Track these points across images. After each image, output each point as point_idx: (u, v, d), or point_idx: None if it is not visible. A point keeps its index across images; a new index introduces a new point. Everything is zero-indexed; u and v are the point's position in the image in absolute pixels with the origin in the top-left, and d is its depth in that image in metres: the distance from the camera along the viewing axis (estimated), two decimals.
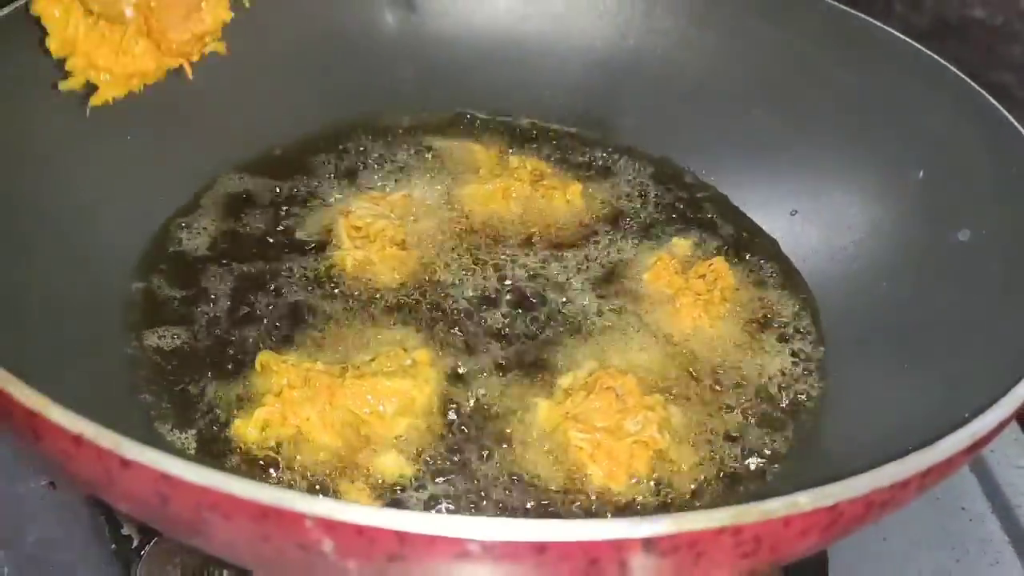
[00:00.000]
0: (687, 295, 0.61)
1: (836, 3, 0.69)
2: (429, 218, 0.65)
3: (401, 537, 0.30)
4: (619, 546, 0.31)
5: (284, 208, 0.66)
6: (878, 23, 0.68)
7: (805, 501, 0.32)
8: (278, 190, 0.67)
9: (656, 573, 0.33)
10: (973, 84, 0.61)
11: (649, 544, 0.31)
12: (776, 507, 0.32)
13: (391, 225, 0.63)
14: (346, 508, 0.30)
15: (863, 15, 0.69)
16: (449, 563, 0.31)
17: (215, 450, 0.50)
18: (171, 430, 0.51)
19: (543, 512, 0.49)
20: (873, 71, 0.67)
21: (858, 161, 0.65)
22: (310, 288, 0.60)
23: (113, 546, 0.54)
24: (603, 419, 0.53)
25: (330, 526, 0.30)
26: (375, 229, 0.62)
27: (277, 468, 0.49)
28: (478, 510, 0.49)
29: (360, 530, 0.30)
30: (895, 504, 0.36)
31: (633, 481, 0.51)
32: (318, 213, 0.65)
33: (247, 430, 0.50)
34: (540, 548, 0.31)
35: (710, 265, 0.63)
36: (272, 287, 0.59)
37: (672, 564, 0.32)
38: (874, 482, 0.34)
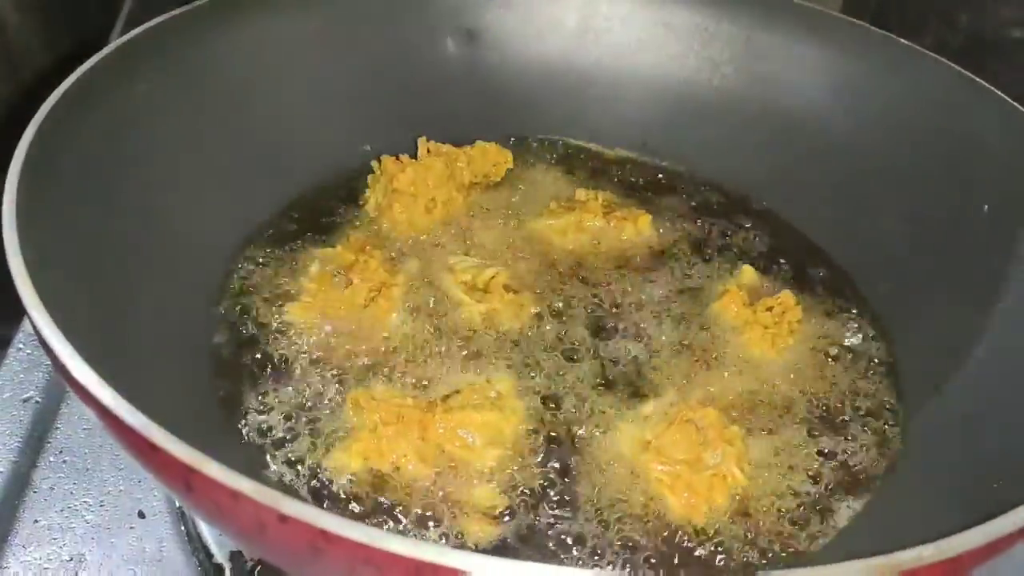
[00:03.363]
0: (755, 328, 0.62)
1: (896, 37, 0.71)
2: (514, 255, 0.67)
3: None
4: None
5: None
6: (931, 53, 0.69)
7: (929, 555, 0.34)
8: (337, 218, 0.69)
9: None
10: None
11: None
12: (905, 559, 0.33)
13: (501, 273, 0.64)
14: (500, 565, 0.31)
15: (915, 45, 0.70)
16: None
17: (315, 485, 0.51)
18: (270, 467, 0.52)
19: (632, 544, 0.50)
20: (934, 104, 0.69)
21: (925, 191, 0.66)
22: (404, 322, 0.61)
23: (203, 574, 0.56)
24: (683, 452, 0.54)
25: None
26: (484, 279, 0.63)
27: (376, 501, 0.50)
28: (569, 540, 0.50)
29: None
30: (1005, 550, 0.37)
31: (713, 514, 0.52)
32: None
33: (349, 462, 0.51)
34: None
35: (777, 298, 0.64)
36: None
37: None
38: (993, 532, 0.35)
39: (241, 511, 0.33)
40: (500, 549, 0.49)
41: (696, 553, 0.50)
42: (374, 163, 0.70)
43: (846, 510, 0.53)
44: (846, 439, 0.57)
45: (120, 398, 0.35)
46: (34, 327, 0.39)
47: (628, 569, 0.47)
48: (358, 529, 0.32)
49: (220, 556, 0.56)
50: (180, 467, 0.34)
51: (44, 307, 0.39)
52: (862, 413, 0.59)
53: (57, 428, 0.62)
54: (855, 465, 0.56)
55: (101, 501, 0.59)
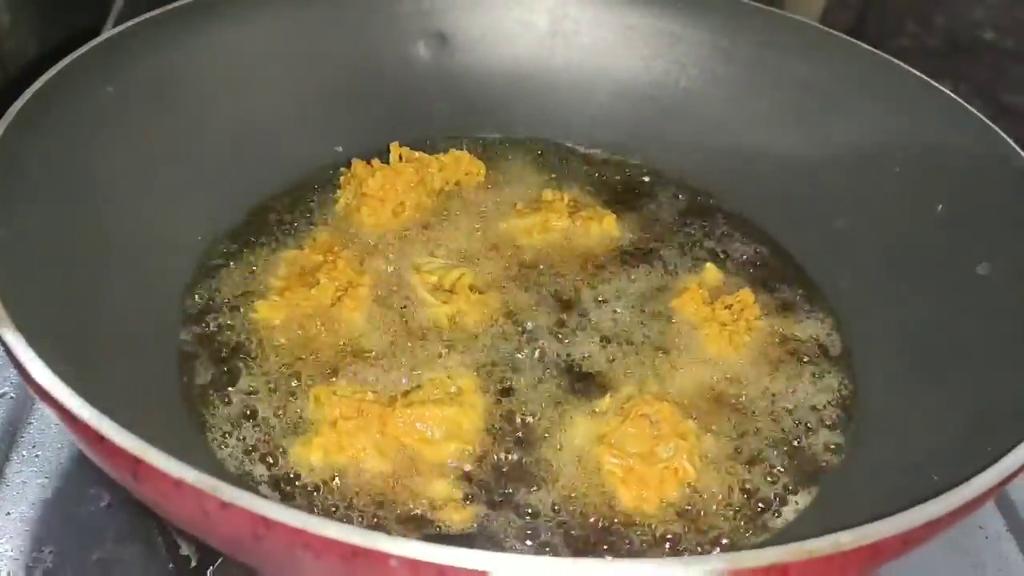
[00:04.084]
0: (712, 325, 0.63)
1: (858, 42, 0.72)
2: (480, 256, 0.68)
3: None
4: None
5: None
6: (899, 62, 0.70)
7: (847, 540, 0.35)
8: (307, 218, 0.70)
9: None
10: (991, 124, 0.63)
11: None
12: (821, 546, 0.35)
13: (467, 273, 0.65)
14: (428, 549, 0.33)
15: (883, 53, 0.72)
16: None
17: (278, 478, 0.52)
18: (232, 460, 0.53)
19: (581, 536, 0.52)
20: (892, 106, 0.70)
21: (882, 191, 0.68)
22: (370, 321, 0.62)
23: (171, 566, 0.57)
24: (636, 445, 0.55)
25: (413, 565, 0.33)
26: (450, 279, 0.64)
27: (336, 494, 0.52)
28: (521, 533, 0.51)
29: (441, 570, 0.33)
30: (928, 538, 0.38)
31: (664, 507, 0.53)
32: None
33: (309, 456, 0.53)
34: None
35: (736, 296, 0.65)
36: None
37: None
38: (912, 520, 0.36)
39: (184, 499, 0.35)
40: (454, 539, 0.50)
41: (641, 544, 0.51)
42: (343, 169, 0.72)
43: (794, 505, 0.54)
44: (799, 435, 0.58)
45: (69, 389, 0.37)
46: None
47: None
48: (295, 515, 0.33)
49: (187, 548, 0.57)
50: (126, 457, 0.35)
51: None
52: (816, 410, 0.60)
53: (30, 423, 0.63)
54: (807, 462, 0.57)
55: (72, 495, 0.60)
